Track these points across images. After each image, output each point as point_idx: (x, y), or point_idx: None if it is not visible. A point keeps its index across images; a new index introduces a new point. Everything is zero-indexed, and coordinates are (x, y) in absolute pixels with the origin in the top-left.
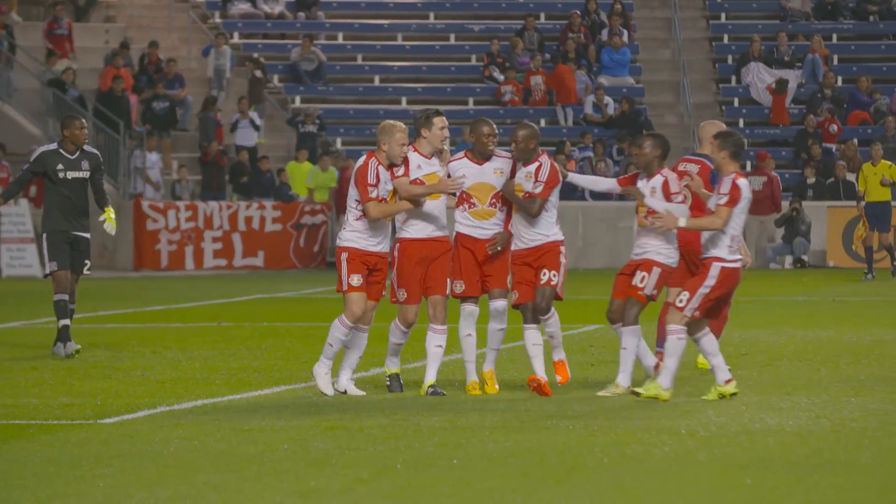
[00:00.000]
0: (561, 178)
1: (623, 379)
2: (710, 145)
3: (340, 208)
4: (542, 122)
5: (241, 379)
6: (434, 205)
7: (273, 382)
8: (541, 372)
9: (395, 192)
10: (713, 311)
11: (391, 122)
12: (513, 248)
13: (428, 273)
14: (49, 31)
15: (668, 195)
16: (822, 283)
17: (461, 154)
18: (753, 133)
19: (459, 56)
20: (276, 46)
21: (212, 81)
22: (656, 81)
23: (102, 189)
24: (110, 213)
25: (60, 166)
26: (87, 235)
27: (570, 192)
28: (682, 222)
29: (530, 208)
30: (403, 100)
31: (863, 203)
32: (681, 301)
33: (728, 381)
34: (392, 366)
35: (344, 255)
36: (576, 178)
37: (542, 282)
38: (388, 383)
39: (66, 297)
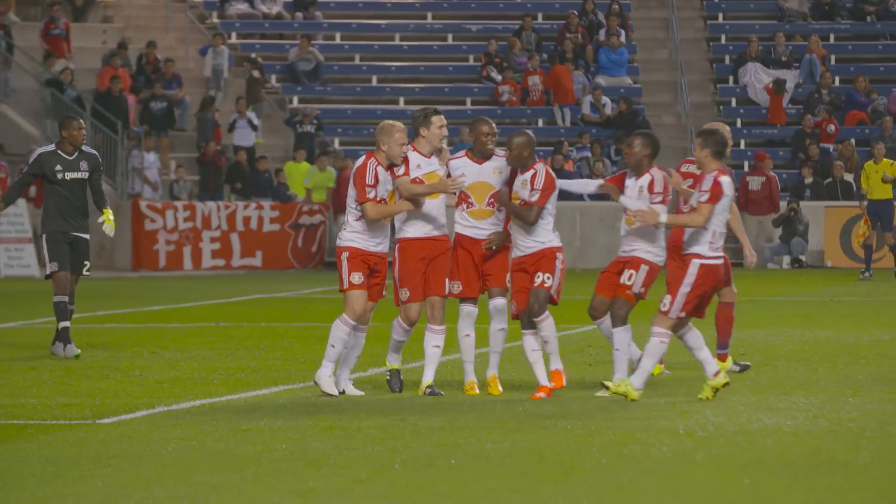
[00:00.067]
0: (557, 186)
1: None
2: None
3: (338, 208)
4: (540, 123)
5: (239, 379)
6: (433, 204)
7: (271, 382)
8: (544, 380)
9: (394, 192)
10: (698, 310)
11: (390, 122)
12: (512, 255)
13: (427, 273)
14: (45, 31)
15: (651, 194)
16: (819, 283)
17: (462, 153)
18: (751, 133)
19: (457, 56)
20: (273, 46)
21: (209, 81)
22: (654, 81)
23: (101, 190)
24: (109, 215)
25: (59, 167)
26: (87, 236)
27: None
28: (663, 218)
29: (527, 216)
30: (401, 100)
31: (865, 202)
32: (664, 305)
33: (716, 374)
34: (394, 361)
35: (345, 255)
36: (563, 184)
37: (535, 284)
38: (388, 378)
39: (66, 298)
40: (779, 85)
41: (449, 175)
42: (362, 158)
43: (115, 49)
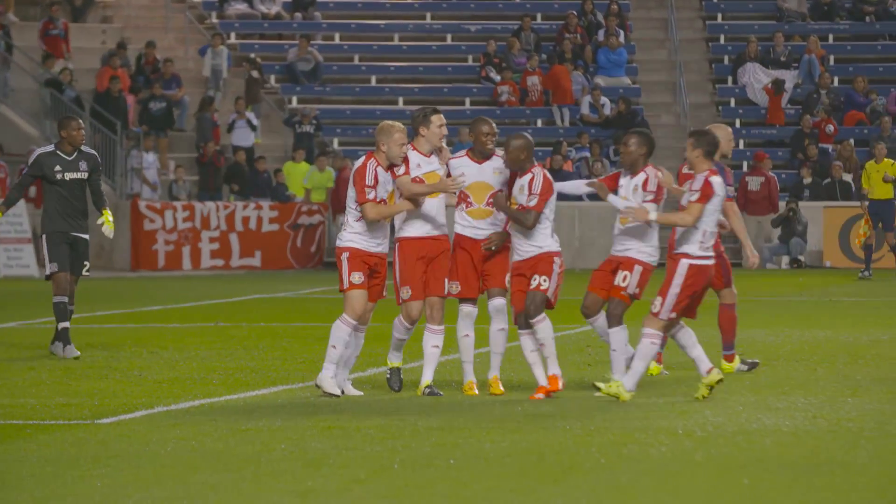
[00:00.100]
0: (555, 191)
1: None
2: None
3: (337, 209)
4: (539, 123)
5: (238, 379)
6: (432, 204)
7: (270, 382)
8: (542, 380)
9: (394, 192)
10: (689, 310)
11: (389, 122)
12: (511, 259)
13: (426, 273)
14: (44, 31)
15: (644, 192)
16: (818, 283)
17: (463, 153)
18: (750, 133)
19: (456, 56)
20: (272, 47)
21: (209, 82)
22: (653, 82)
23: (100, 190)
24: (108, 217)
25: (58, 168)
26: (86, 237)
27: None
28: (653, 216)
29: (525, 221)
30: (400, 100)
31: (866, 202)
32: (655, 306)
33: (709, 371)
34: (394, 360)
35: (345, 255)
36: (557, 186)
37: (531, 287)
38: (387, 376)
39: (66, 298)
40: (778, 85)
41: (449, 174)
42: (362, 159)
43: (115, 49)
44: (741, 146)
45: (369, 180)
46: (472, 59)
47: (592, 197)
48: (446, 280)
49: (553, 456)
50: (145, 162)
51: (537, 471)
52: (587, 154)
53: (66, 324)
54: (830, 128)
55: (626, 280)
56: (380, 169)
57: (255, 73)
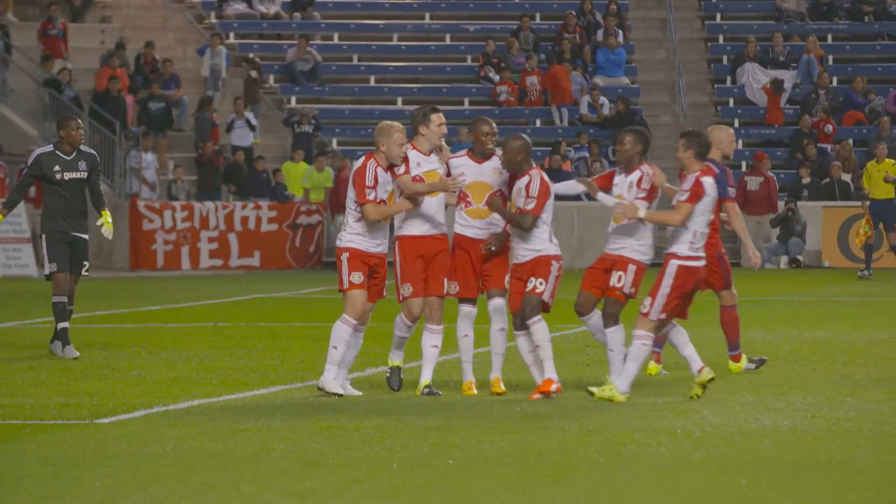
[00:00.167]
0: (553, 193)
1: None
2: (715, 150)
3: (336, 208)
4: (538, 123)
5: (237, 379)
6: (431, 203)
7: (269, 382)
8: (540, 380)
9: (393, 192)
10: (679, 310)
11: (389, 122)
12: (511, 262)
13: (425, 272)
14: (42, 31)
15: (638, 189)
16: (817, 283)
17: (463, 152)
18: (749, 133)
19: (455, 56)
20: (271, 47)
21: (208, 82)
22: (652, 82)
23: (99, 190)
24: (107, 218)
25: (57, 167)
26: (86, 237)
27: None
28: (642, 213)
29: (522, 224)
30: (399, 100)
31: (867, 202)
32: (644, 307)
33: (701, 370)
34: (396, 359)
35: (345, 255)
36: (553, 188)
37: (527, 289)
38: (388, 375)
39: (65, 299)
40: (777, 85)
41: (449, 174)
42: (362, 160)
43: (113, 49)
44: (740, 146)
45: (369, 181)
46: (470, 59)
47: (590, 196)
48: (445, 280)
49: (552, 456)
50: (144, 162)
51: (536, 471)
52: (586, 154)
53: (66, 324)
54: (829, 128)
55: (622, 280)
56: (379, 169)
57: (253, 73)
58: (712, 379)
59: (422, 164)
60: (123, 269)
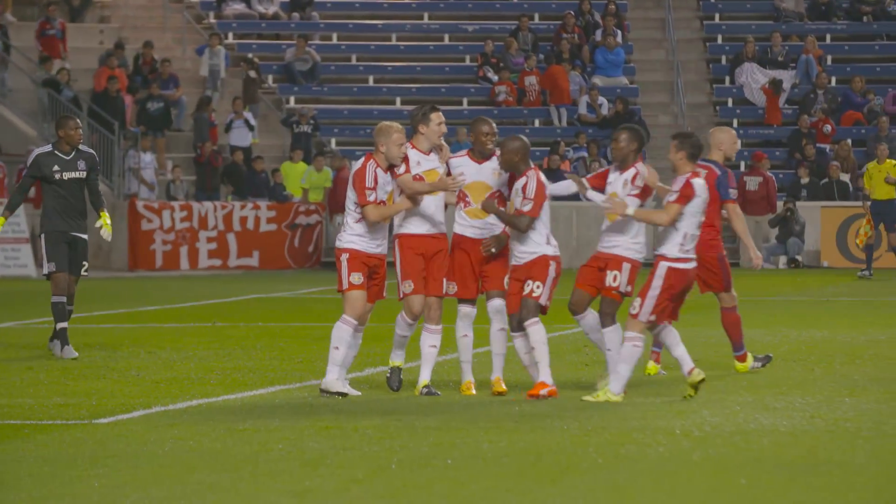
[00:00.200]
0: (549, 194)
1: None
2: (717, 151)
3: (335, 209)
4: (537, 123)
5: (235, 379)
6: (431, 202)
7: (268, 382)
8: (538, 379)
9: (393, 193)
10: (670, 312)
11: (388, 123)
12: (510, 263)
13: (425, 271)
14: (41, 31)
15: (631, 186)
16: (816, 283)
17: (464, 152)
18: (748, 133)
19: (454, 56)
20: (270, 47)
21: (206, 82)
22: (650, 82)
23: (98, 190)
24: (106, 220)
25: (56, 167)
26: (85, 237)
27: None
28: (630, 211)
29: (519, 225)
30: (398, 100)
31: (868, 202)
32: (634, 308)
33: (691, 371)
34: (397, 359)
35: (344, 256)
36: (550, 188)
37: (525, 292)
38: (388, 375)
39: (65, 299)
40: (775, 85)
41: (449, 173)
42: (361, 160)
43: (112, 49)
44: (739, 146)
45: (369, 182)
46: (469, 59)
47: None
48: (444, 280)
49: (550, 456)
50: (143, 162)
51: (535, 471)
52: (585, 154)
53: (65, 324)
54: (828, 128)
55: (617, 280)
56: (379, 170)
57: (252, 73)
58: (703, 380)
59: (422, 163)
60: (122, 269)
